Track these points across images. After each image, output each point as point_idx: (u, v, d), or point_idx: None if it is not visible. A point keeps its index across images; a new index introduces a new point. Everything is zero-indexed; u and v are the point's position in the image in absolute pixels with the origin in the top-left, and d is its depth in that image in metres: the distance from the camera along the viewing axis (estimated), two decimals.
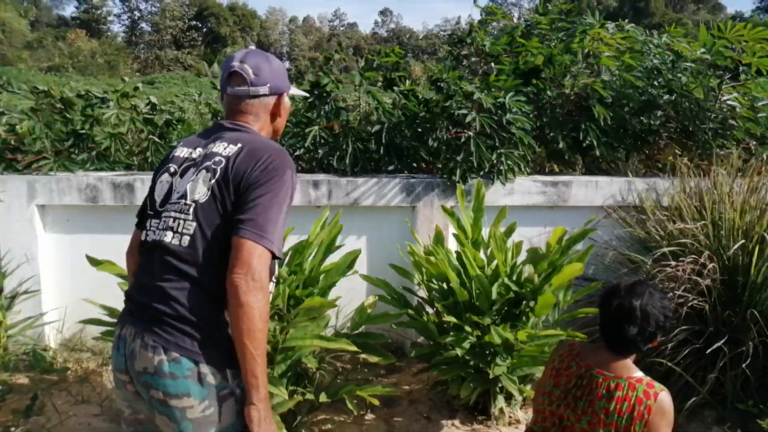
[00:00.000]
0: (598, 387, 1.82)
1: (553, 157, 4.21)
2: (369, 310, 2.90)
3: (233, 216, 1.50)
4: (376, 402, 2.63)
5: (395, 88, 3.97)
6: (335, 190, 3.54)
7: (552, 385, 1.96)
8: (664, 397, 1.77)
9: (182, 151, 1.70)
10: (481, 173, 3.63)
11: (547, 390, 1.97)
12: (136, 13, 56.37)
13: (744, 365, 2.92)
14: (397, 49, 4.06)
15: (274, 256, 1.49)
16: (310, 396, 2.64)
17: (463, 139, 3.54)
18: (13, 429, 2.69)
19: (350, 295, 3.49)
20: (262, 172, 1.53)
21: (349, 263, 2.75)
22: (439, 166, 3.67)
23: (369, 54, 4.01)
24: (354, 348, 2.49)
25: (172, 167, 1.67)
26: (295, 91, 1.83)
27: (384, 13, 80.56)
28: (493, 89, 3.60)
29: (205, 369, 1.50)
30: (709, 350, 2.99)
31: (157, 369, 1.48)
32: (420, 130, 3.86)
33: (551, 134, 3.94)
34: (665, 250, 3.30)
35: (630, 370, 1.84)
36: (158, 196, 1.65)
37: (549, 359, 2.09)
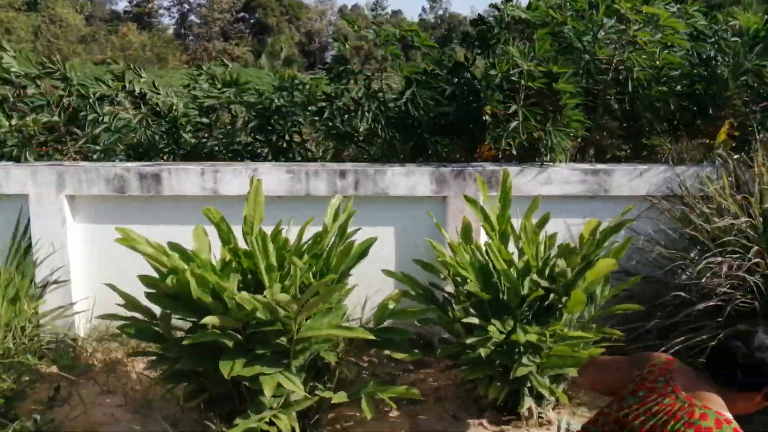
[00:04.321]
0: (681, 410, 1.69)
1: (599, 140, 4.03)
2: (392, 305, 2.80)
3: None
4: (393, 405, 2.54)
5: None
6: (362, 180, 3.44)
7: (629, 392, 1.84)
8: None
9: None
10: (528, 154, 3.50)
11: (623, 395, 1.86)
12: (185, 6, 57.47)
13: None
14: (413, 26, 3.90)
15: None
16: (329, 393, 2.56)
17: (512, 109, 3.40)
18: (37, 417, 2.72)
19: (377, 289, 3.41)
20: None
21: (363, 251, 2.65)
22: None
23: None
24: (371, 336, 2.40)
25: None
26: None
27: None
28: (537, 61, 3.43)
29: None
30: None
31: None
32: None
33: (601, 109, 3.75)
34: (711, 245, 3.08)
35: (722, 407, 1.71)
36: None
37: (634, 361, 1.98)
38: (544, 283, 2.63)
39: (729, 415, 1.70)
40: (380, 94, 3.78)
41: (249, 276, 2.69)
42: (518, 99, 3.41)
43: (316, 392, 2.62)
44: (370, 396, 2.52)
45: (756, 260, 2.81)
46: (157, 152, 3.94)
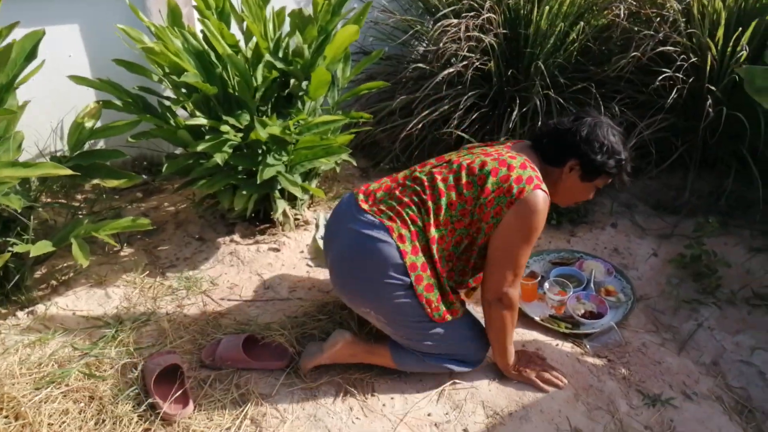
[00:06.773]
0: (495, 152, 1.71)
1: None
2: (89, 123, 2.14)
3: None
4: (112, 242, 2.03)
5: None
6: None
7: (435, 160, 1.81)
8: (542, 195, 1.62)
9: None
10: None
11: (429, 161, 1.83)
12: None
13: (531, 122, 2.77)
14: None
15: None
16: (25, 247, 1.94)
17: None
18: None
19: (73, 106, 2.67)
20: None
21: (28, 51, 1.91)
22: None
23: None
24: (65, 171, 1.78)
25: None
26: None
27: None
28: None
29: None
30: (497, 111, 2.80)
31: None
32: None
33: None
34: (446, 10, 2.90)
35: (534, 162, 1.72)
36: None
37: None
38: (280, 65, 2.19)
39: (535, 166, 1.70)
40: None
41: None
42: None
43: (9, 249, 1.98)
44: (83, 238, 1.97)
45: (488, 16, 2.69)
46: None
